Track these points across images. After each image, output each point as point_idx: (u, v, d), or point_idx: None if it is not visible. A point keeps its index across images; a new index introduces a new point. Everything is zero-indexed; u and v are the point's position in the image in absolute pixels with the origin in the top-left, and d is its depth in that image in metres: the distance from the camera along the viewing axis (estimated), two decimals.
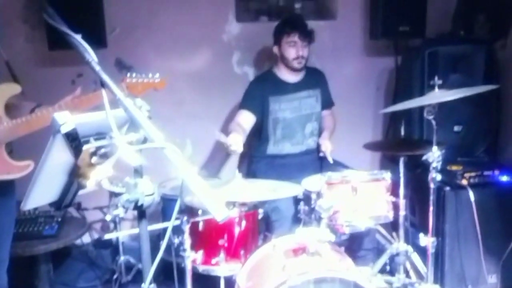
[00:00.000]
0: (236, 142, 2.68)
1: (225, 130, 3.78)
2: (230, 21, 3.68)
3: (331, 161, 2.96)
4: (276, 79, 3.22)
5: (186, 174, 1.05)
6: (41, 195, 1.23)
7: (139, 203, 1.09)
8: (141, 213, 1.14)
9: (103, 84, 1.12)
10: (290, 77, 3.21)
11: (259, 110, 3.15)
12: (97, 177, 1.18)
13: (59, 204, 1.28)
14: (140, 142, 1.12)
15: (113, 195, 1.15)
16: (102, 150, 1.18)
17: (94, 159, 1.18)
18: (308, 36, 3.10)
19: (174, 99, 3.64)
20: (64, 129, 1.09)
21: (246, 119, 3.12)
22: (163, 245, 1.16)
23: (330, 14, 3.86)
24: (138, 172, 1.09)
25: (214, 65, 3.69)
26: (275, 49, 3.17)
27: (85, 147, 1.14)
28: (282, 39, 3.11)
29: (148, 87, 2.14)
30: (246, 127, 3.09)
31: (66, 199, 1.27)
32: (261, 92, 3.18)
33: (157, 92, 3.44)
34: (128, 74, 2.06)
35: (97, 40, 3.10)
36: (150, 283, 1.16)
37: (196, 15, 3.58)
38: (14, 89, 2.01)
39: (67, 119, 1.09)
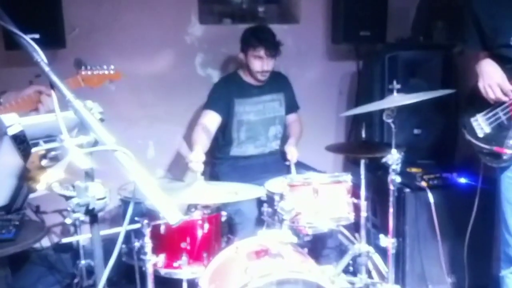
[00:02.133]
0: (197, 161, 2.58)
1: (189, 133, 3.77)
2: (193, 23, 3.65)
3: (294, 173, 2.85)
4: (241, 81, 3.22)
5: (137, 178, 1.03)
6: None
7: (90, 207, 1.07)
8: (93, 217, 1.11)
9: (52, 86, 1.09)
10: (254, 81, 3.21)
11: (224, 111, 3.13)
12: (48, 180, 1.14)
13: (9, 208, 1.24)
14: (91, 145, 1.09)
15: (65, 199, 1.12)
16: (52, 153, 1.14)
17: (44, 162, 1.15)
18: (274, 50, 3.07)
19: (136, 101, 3.60)
20: (11, 131, 1.05)
21: (212, 120, 3.09)
22: (116, 249, 1.13)
23: (293, 18, 3.89)
24: (89, 175, 1.06)
25: (177, 67, 3.67)
26: (241, 55, 3.15)
27: (34, 150, 1.11)
28: (248, 51, 3.08)
29: (104, 78, 2.13)
30: (211, 128, 3.06)
31: (16, 203, 1.24)
32: (227, 93, 3.16)
33: (120, 94, 3.44)
34: (83, 67, 2.04)
35: (56, 40, 3.04)
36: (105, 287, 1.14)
37: (158, 17, 3.54)
38: None
39: (14, 121, 1.06)
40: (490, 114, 2.24)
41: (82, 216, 3.07)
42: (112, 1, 3.44)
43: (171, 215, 1.02)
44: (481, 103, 2.26)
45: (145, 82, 3.59)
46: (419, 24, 3.69)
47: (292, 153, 3.05)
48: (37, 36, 2.60)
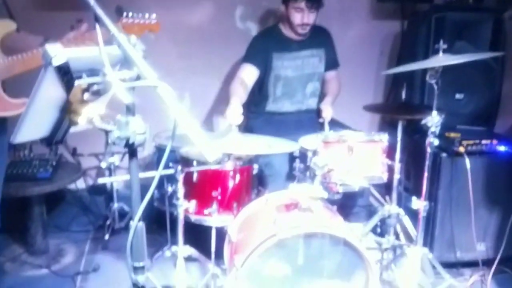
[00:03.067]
0: (235, 113, 2.59)
1: (226, 86, 3.76)
2: None
3: (327, 131, 2.79)
4: (280, 35, 3.16)
5: (178, 114, 1.03)
6: (31, 129, 1.21)
7: (130, 141, 1.08)
8: (132, 152, 1.13)
9: (97, 19, 1.08)
10: (294, 35, 3.14)
11: (262, 65, 3.09)
12: (89, 115, 1.16)
13: (50, 140, 1.27)
14: (133, 80, 1.09)
15: (107, 140, 1.13)
16: (95, 87, 1.15)
17: (86, 96, 1.16)
18: (316, 2, 2.99)
19: (174, 52, 3.60)
20: (56, 62, 1.06)
21: (250, 74, 3.06)
22: (151, 189, 1.15)
23: None
24: (130, 110, 1.07)
25: (216, 20, 3.63)
26: (282, 8, 3.09)
27: (77, 82, 1.12)
28: (289, 2, 3.01)
29: (144, 28, 2.12)
30: (249, 82, 3.04)
31: (57, 136, 1.26)
32: (265, 47, 3.11)
33: (158, 44, 3.42)
34: (125, 14, 2.03)
35: None
36: (139, 221, 1.16)
37: None
38: (9, 25, 1.97)
39: (59, 51, 1.06)
40: None
41: (117, 161, 3.13)
42: None
43: (210, 153, 1.03)
44: None
45: (184, 34, 3.58)
46: None
47: (327, 112, 3.02)
48: None
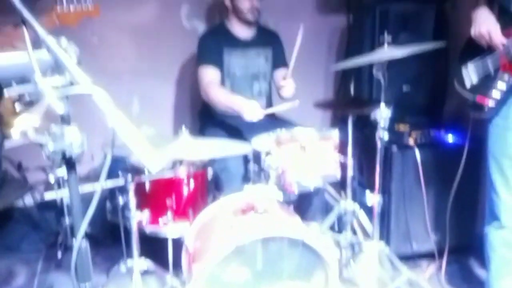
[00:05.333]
0: (254, 108, 2.63)
1: (174, 88, 3.69)
2: None
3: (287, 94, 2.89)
4: (228, 33, 3.11)
5: (116, 123, 0.97)
6: None
7: (67, 154, 1.00)
8: (70, 165, 1.05)
9: (24, 22, 1.00)
10: (242, 32, 3.10)
11: (220, 63, 3.03)
12: (23, 127, 1.07)
13: None
14: (66, 87, 1.02)
15: (40, 147, 1.05)
16: (27, 97, 1.07)
17: (18, 107, 1.08)
18: None
19: (119, 54, 3.49)
20: None
21: (214, 75, 2.99)
22: (93, 201, 1.08)
23: None
24: (64, 120, 1.00)
25: (161, 19, 3.54)
26: (227, 1, 3.05)
27: (6, 91, 1.03)
28: None
29: (81, 15, 2.00)
30: (219, 83, 2.99)
31: None
32: (216, 44, 3.05)
33: (102, 47, 3.32)
34: (58, 2, 1.92)
35: None
36: (83, 239, 1.09)
37: None
38: None
39: None
40: (479, 62, 2.21)
41: (65, 174, 3.00)
42: None
43: (152, 163, 0.97)
44: (474, 52, 2.22)
45: (129, 35, 3.48)
46: None
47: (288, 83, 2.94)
48: None
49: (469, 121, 2.46)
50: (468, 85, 2.27)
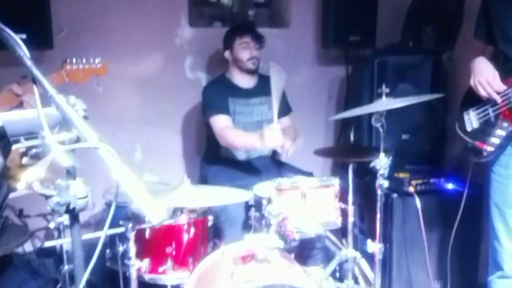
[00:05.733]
0: (275, 131, 2.67)
1: (178, 136, 3.74)
2: (183, 26, 3.63)
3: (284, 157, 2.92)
4: (230, 83, 3.21)
5: (120, 176, 1.00)
6: None
7: (71, 207, 1.03)
8: (73, 217, 1.08)
9: (34, 80, 1.06)
10: (243, 82, 3.19)
11: (227, 110, 3.11)
12: (28, 179, 1.10)
13: None
14: (73, 142, 1.06)
15: (45, 198, 1.08)
16: (34, 151, 1.11)
17: (25, 160, 1.11)
18: (259, 38, 3.13)
19: (124, 104, 3.56)
20: None
21: (227, 121, 3.06)
22: (96, 251, 1.10)
23: (283, 22, 3.89)
24: (70, 173, 1.03)
25: (166, 70, 3.63)
26: (227, 54, 3.16)
27: (14, 147, 1.07)
28: (234, 42, 3.11)
29: (90, 73, 2.07)
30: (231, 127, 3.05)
31: None
32: (221, 93, 3.14)
33: (107, 96, 3.40)
34: (68, 60, 1.99)
35: (43, 40, 2.98)
36: None
37: (148, 19, 3.51)
38: None
39: None
40: (481, 109, 2.26)
41: (66, 220, 3.00)
42: (101, 2, 3.41)
43: (153, 215, 0.99)
44: (477, 99, 2.27)
45: (134, 85, 3.56)
46: (408, 29, 3.70)
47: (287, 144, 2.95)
48: (24, 36, 2.54)
49: (469, 168, 2.50)
50: (469, 129, 2.31)
